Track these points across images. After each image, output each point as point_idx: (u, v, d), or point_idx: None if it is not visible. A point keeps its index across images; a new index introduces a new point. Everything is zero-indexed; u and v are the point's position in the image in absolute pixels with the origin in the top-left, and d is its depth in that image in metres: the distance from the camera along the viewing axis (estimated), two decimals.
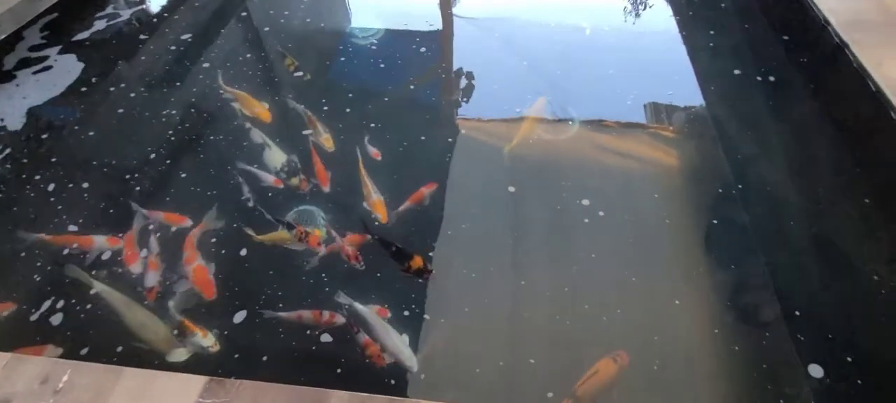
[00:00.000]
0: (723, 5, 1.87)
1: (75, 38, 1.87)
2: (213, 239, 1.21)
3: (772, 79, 1.53)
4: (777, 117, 1.45)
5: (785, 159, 1.36)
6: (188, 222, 1.28)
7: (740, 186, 1.28)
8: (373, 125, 1.51)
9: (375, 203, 1.25)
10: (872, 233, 1.17)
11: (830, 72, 1.47)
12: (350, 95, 1.63)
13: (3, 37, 1.59)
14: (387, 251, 1.16)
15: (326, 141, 1.43)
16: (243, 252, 1.18)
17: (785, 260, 1.14)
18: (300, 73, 1.72)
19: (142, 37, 1.92)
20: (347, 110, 1.57)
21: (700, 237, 1.19)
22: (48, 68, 1.73)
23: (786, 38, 1.65)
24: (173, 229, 1.25)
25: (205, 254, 1.17)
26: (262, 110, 1.55)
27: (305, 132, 1.49)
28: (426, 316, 1.05)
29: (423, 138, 1.49)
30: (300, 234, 1.16)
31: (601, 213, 1.22)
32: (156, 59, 1.83)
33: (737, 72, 1.56)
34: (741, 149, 1.38)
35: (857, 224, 1.20)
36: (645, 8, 2.08)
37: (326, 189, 1.32)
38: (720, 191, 1.29)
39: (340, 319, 1.05)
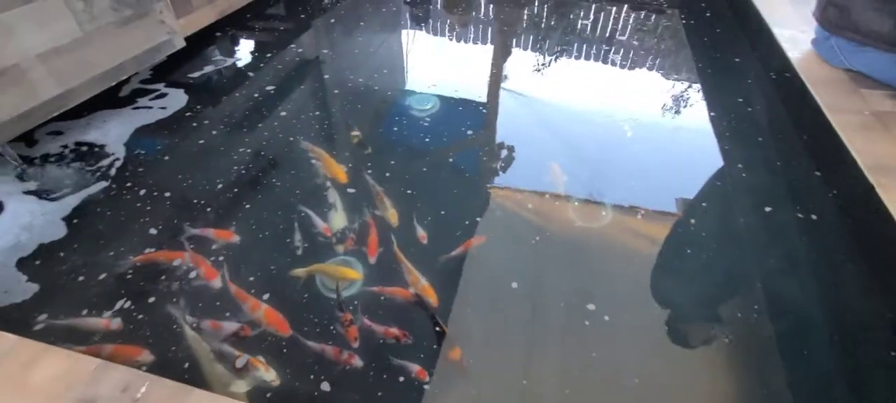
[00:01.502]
0: (760, 139, 1.97)
1: (183, 78, 2.21)
2: (252, 278, 1.36)
3: (812, 215, 1.60)
4: (805, 247, 1.52)
5: (809, 289, 1.40)
6: (236, 238, 1.46)
7: (756, 306, 1.34)
8: (409, 191, 1.67)
9: (425, 288, 1.32)
10: (893, 369, 1.21)
11: (859, 211, 1.54)
12: (392, 162, 1.81)
13: (124, 77, 1.89)
14: (434, 328, 1.23)
15: (392, 216, 1.53)
16: (266, 295, 1.31)
17: (800, 386, 1.19)
18: (357, 135, 1.90)
19: (235, 84, 2.23)
20: (387, 174, 1.75)
21: (715, 349, 1.25)
22: (163, 95, 2.11)
23: (818, 173, 1.74)
24: (222, 243, 1.45)
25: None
26: (340, 172, 1.72)
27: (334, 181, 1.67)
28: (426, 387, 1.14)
29: (454, 210, 1.61)
30: (345, 320, 1.22)
31: (606, 317, 1.30)
32: (241, 104, 2.11)
33: (767, 208, 1.63)
34: (765, 272, 1.45)
35: (878, 358, 1.23)
36: (683, 110, 2.23)
37: (372, 260, 1.41)
38: (739, 314, 1.35)
39: (359, 362, 1.17)
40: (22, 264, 1.38)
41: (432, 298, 1.30)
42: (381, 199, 1.60)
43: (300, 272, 1.38)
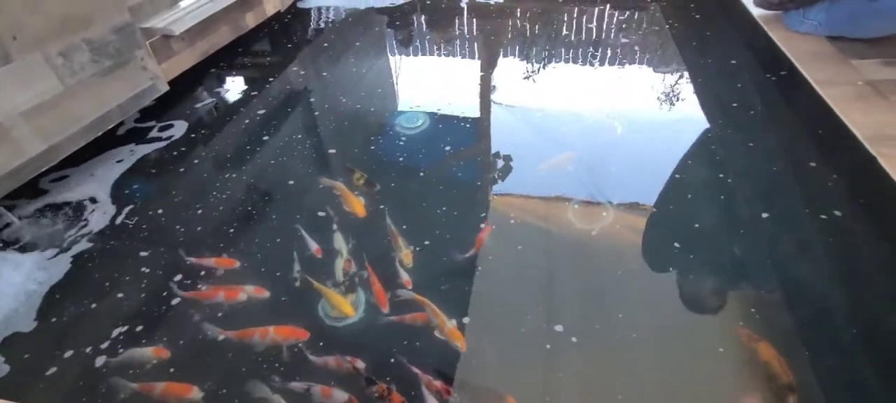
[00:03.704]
0: (752, 120, 1.93)
1: (169, 120, 2.21)
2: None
3: (813, 193, 1.57)
4: (812, 226, 1.47)
5: (821, 276, 1.35)
6: (237, 264, 1.46)
7: (759, 306, 1.29)
8: (384, 207, 1.66)
9: (452, 331, 1.24)
10: None
11: (863, 185, 1.49)
12: (386, 183, 1.78)
13: (110, 126, 1.89)
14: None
15: (406, 257, 1.45)
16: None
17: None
18: (360, 175, 1.81)
19: (223, 120, 2.23)
20: (381, 195, 1.72)
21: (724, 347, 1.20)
22: (169, 126, 2.16)
23: (816, 148, 1.70)
24: (223, 271, 1.45)
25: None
26: (359, 206, 1.66)
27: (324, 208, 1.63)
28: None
29: (452, 223, 1.58)
30: (382, 391, 1.11)
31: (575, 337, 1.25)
32: (233, 138, 2.11)
33: (766, 193, 1.59)
34: (777, 256, 1.41)
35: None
36: (674, 101, 2.20)
37: (385, 310, 1.33)
38: (753, 310, 1.30)
39: (360, 363, 1.17)
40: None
41: (460, 343, 1.22)
42: (396, 239, 1.53)
43: (316, 286, 1.39)
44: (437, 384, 1.13)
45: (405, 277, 1.40)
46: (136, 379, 1.19)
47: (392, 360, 1.20)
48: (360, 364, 1.18)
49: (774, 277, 1.36)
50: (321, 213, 1.67)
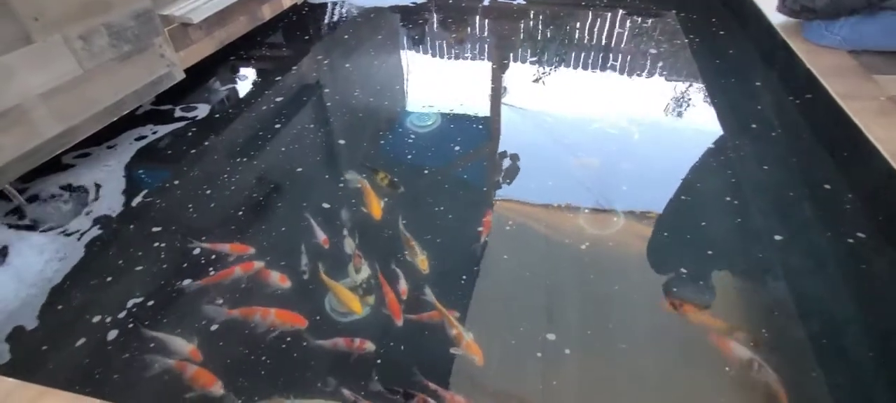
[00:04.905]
0: (773, 134, 1.91)
1: (184, 108, 2.23)
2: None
3: (832, 208, 1.54)
4: (834, 242, 1.45)
5: (839, 299, 1.32)
6: (251, 250, 1.47)
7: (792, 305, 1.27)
8: (389, 201, 1.66)
9: (469, 344, 1.20)
10: None
11: (885, 199, 1.47)
12: (402, 190, 1.77)
13: (126, 111, 1.91)
14: None
15: (422, 263, 1.42)
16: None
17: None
18: (384, 176, 1.76)
19: (235, 111, 2.24)
20: (390, 195, 1.71)
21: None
22: (193, 107, 2.23)
23: (837, 163, 1.67)
24: (235, 257, 1.46)
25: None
26: (377, 208, 1.62)
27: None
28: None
29: (460, 225, 1.57)
30: None
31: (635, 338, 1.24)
32: (245, 127, 2.11)
33: (785, 208, 1.57)
34: (790, 270, 1.38)
35: None
36: (687, 112, 2.18)
37: (399, 322, 1.28)
38: (776, 312, 1.28)
39: (371, 346, 1.18)
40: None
41: (478, 356, 1.17)
42: (410, 245, 1.49)
43: (325, 279, 1.39)
44: (459, 398, 1.09)
45: (404, 286, 1.36)
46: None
47: (381, 356, 1.19)
48: (370, 347, 1.18)
49: (793, 294, 1.33)
50: (326, 205, 1.67)
